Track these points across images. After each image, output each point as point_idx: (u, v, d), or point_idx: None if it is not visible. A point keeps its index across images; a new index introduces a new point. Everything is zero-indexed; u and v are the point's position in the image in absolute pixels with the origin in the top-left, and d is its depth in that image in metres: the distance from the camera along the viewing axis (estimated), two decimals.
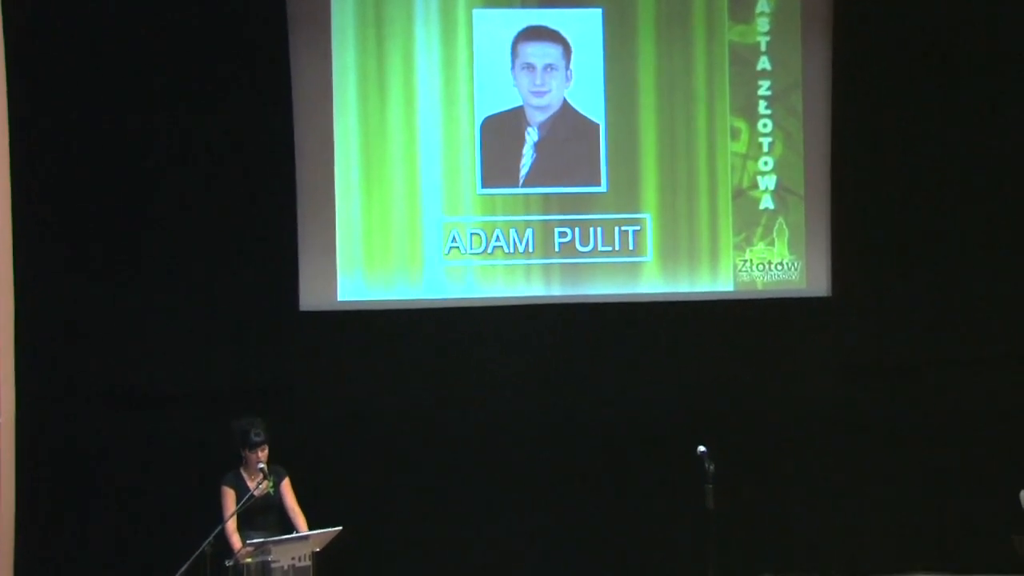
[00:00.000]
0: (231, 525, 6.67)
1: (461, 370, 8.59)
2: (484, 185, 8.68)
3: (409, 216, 8.62)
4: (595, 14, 8.76)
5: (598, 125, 8.76)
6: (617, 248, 8.78)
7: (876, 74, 8.76)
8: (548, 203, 8.74)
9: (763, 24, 8.86)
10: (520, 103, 8.71)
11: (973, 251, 8.83)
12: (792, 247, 8.88)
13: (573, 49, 8.74)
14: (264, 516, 6.83)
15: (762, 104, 8.88)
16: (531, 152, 8.70)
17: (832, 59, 8.83)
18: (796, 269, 8.89)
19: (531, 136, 8.71)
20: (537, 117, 8.73)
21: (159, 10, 8.15)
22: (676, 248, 8.82)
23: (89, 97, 8.14)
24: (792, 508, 8.73)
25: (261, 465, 6.75)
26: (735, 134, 8.86)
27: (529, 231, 8.71)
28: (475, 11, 8.65)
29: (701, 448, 6.69)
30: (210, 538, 6.20)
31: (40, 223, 7.79)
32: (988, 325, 8.81)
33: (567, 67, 8.74)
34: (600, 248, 8.77)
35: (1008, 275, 8.82)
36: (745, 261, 8.86)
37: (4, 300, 7.06)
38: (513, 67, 8.71)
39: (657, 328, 8.76)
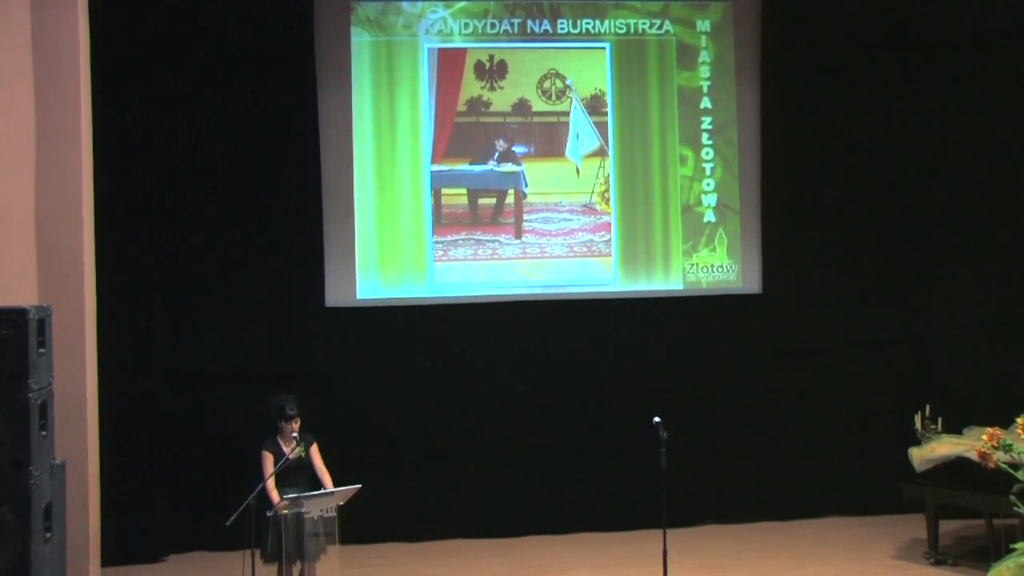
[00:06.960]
0: (271, 483, 6.65)
1: (459, 355, 8.75)
2: (480, 201, 8.86)
3: (415, 228, 8.79)
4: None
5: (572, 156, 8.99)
6: (587, 254, 8.95)
7: (797, 112, 8.99)
8: (531, 217, 8.90)
9: (705, 71, 9.11)
10: None
11: (878, 256, 9.05)
12: (730, 253, 9.10)
13: None
14: (297, 475, 6.78)
15: (705, 136, 9.11)
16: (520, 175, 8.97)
17: (761, 100, 9.09)
18: (733, 271, 9.11)
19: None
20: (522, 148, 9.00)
21: (221, 69, 8.38)
22: (635, 254, 9.02)
23: (163, 131, 8.32)
24: (730, 467, 8.90)
25: (294, 434, 6.75)
26: (683, 160, 9.07)
27: (516, 241, 8.87)
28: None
29: (656, 419, 6.56)
30: (254, 493, 6.20)
31: (117, 235, 7.85)
32: (887, 316, 9.03)
33: None
34: (573, 254, 8.93)
35: (902, 275, 9.05)
36: (692, 264, 9.06)
37: (88, 299, 7.10)
38: None
39: (620, 319, 8.95)
